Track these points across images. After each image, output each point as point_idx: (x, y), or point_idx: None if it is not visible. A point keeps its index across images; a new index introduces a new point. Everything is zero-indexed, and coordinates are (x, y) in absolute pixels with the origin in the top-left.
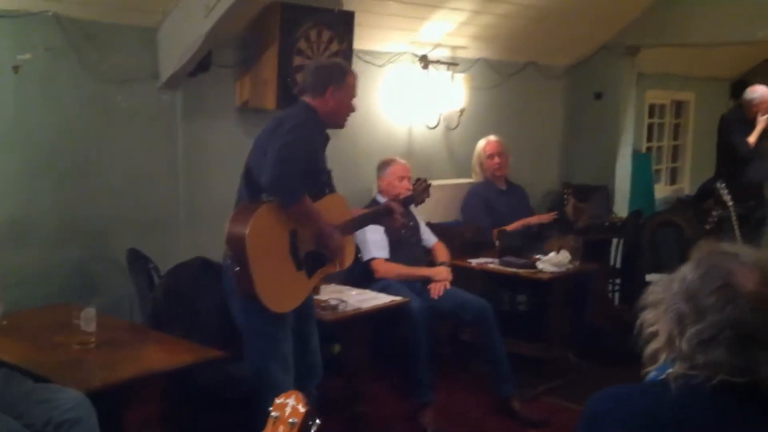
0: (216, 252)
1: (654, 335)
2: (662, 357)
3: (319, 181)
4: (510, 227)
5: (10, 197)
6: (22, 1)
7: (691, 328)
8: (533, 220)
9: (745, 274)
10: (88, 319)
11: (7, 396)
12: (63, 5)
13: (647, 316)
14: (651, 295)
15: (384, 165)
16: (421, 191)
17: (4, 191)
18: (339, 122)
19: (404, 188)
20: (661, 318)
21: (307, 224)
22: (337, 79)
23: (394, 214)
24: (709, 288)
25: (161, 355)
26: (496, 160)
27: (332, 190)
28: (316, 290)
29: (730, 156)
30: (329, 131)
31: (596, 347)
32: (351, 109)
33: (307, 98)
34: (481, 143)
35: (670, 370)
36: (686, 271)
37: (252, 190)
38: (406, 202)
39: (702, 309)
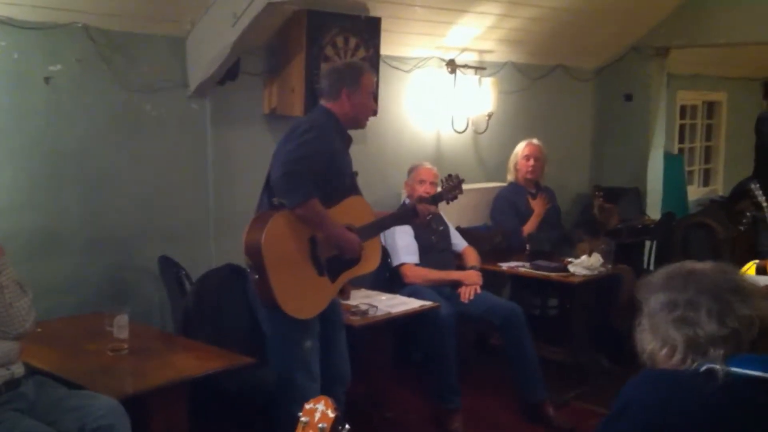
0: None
1: (649, 342)
2: (660, 358)
3: (342, 184)
4: (527, 226)
5: (41, 206)
6: (52, 14)
7: (674, 314)
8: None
9: (702, 265)
10: (120, 326)
11: (40, 403)
12: (92, 17)
13: (640, 336)
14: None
15: (410, 169)
16: (451, 188)
17: (35, 200)
18: (359, 123)
19: (423, 191)
20: (650, 331)
21: (316, 228)
22: (351, 81)
23: (418, 214)
24: (674, 280)
25: (192, 362)
26: (531, 162)
27: (357, 192)
28: (346, 296)
29: (766, 156)
30: (351, 132)
31: (627, 351)
32: (369, 109)
33: (324, 102)
34: (522, 144)
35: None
36: (656, 285)
37: (270, 198)
38: (435, 199)
39: (674, 298)
